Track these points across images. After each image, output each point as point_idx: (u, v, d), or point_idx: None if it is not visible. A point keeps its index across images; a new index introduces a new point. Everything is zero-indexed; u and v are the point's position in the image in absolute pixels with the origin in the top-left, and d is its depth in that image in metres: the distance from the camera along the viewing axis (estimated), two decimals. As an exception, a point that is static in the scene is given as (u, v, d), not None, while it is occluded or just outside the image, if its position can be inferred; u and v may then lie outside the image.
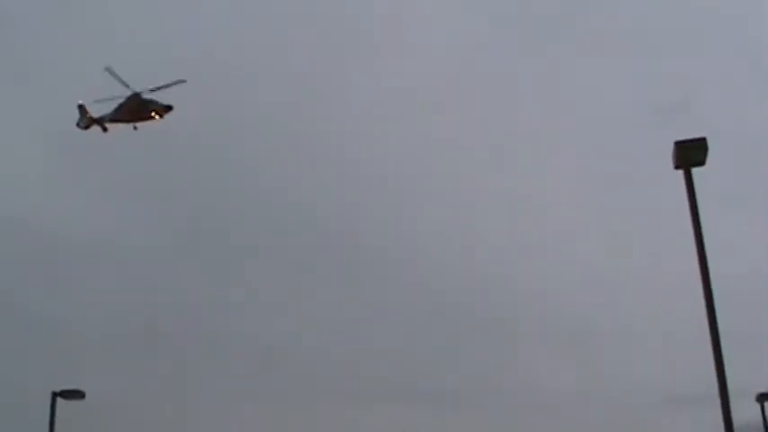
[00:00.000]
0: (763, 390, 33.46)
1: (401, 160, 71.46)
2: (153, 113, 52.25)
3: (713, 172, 18.34)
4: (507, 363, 59.90)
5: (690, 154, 17.68)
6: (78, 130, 55.04)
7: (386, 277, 67.08)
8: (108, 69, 50.12)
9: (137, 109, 52.24)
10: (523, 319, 62.48)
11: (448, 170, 71.23)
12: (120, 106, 52.67)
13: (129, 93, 51.90)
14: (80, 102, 54.29)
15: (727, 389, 16.81)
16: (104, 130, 54.14)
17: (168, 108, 52.29)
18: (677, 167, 17.91)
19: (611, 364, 57.21)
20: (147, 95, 51.98)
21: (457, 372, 59.93)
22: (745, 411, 32.55)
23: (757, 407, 33.48)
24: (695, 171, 17.87)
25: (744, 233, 58.10)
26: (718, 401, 16.85)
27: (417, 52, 74.23)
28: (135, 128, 53.08)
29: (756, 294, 54.33)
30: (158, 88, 51.47)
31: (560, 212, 67.85)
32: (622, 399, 54.20)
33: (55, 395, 30.13)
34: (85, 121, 54.35)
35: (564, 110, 70.73)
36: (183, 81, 50.93)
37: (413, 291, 66.10)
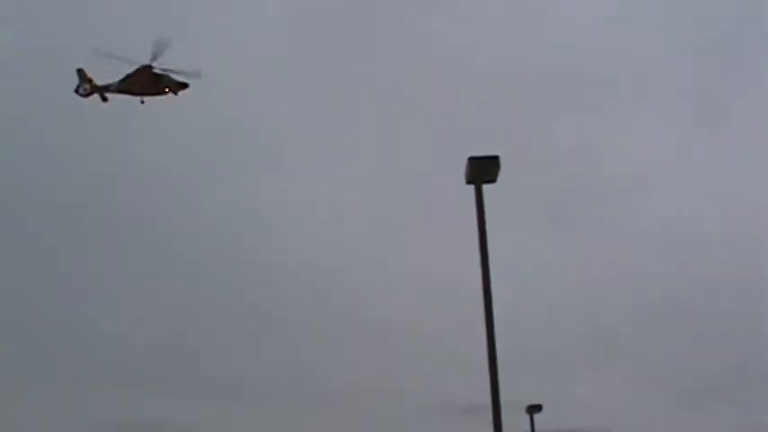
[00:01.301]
0: (532, 402, 35.10)
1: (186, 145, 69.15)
2: (167, 89, 49.86)
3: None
4: (299, 361, 60.01)
5: (482, 170, 17.99)
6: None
7: (183, 275, 65.72)
8: (98, 51, 48.04)
9: (148, 82, 49.69)
10: (315, 319, 62.67)
11: (241, 167, 70.19)
12: (128, 76, 49.93)
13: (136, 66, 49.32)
14: (79, 66, 51.58)
15: (500, 400, 17.21)
16: (104, 99, 51.55)
17: (184, 85, 50.02)
18: (469, 183, 18.19)
19: (396, 368, 58.33)
20: (158, 70, 49.46)
21: (247, 366, 59.67)
22: (517, 422, 34.04)
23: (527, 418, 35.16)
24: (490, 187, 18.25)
25: (527, 250, 60.51)
26: (490, 412, 17.25)
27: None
28: (142, 102, 50.63)
29: (532, 310, 57.14)
30: (169, 70, 49.32)
31: (358, 215, 68.33)
32: (399, 404, 55.41)
33: None
34: (87, 87, 51.55)
35: (362, 113, 71.03)
36: (199, 75, 49.36)
37: (208, 286, 65.22)
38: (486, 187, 18.25)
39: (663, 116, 71.88)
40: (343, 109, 68.15)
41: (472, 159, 17.95)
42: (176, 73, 49.61)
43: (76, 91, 52.02)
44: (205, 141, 69.37)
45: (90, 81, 51.73)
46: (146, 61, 49.28)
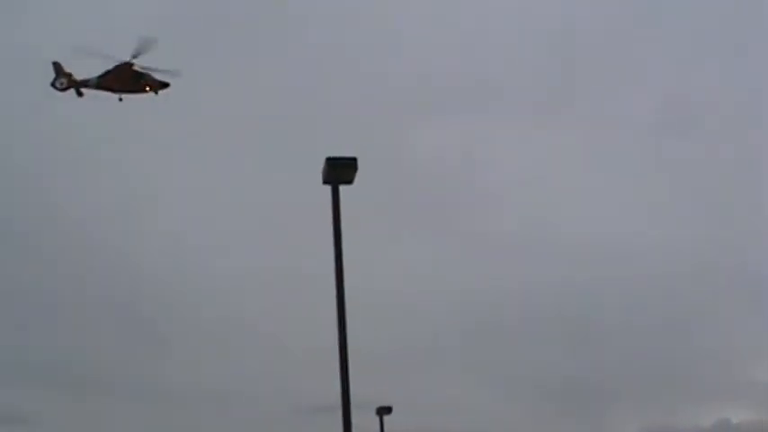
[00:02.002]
0: (383, 404, 35.39)
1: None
2: (147, 87, 49.21)
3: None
4: (153, 362, 59.06)
5: (340, 171, 18.02)
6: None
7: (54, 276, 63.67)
8: (79, 49, 47.34)
9: (128, 79, 48.95)
10: (177, 321, 61.80)
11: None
12: (107, 72, 49.26)
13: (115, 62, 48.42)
14: (54, 60, 50.42)
15: (350, 401, 17.22)
16: (80, 95, 50.53)
17: (165, 85, 49.43)
18: (326, 183, 18.20)
19: (256, 368, 58.01)
20: (139, 68, 48.74)
21: (107, 364, 59.01)
22: (368, 423, 34.28)
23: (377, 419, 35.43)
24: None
25: (386, 252, 61.06)
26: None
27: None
28: (120, 99, 49.78)
29: (387, 312, 57.65)
30: (150, 68, 48.61)
31: (215, 219, 67.56)
32: (252, 404, 55.04)
33: None
34: (63, 82, 50.39)
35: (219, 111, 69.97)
36: (179, 74, 48.78)
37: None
38: (351, 188, 18.26)
39: (531, 122, 73.30)
40: (198, 109, 66.82)
41: (330, 160, 17.97)
42: (156, 71, 48.96)
43: (52, 85, 50.89)
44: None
45: (69, 75, 50.64)
46: (127, 59, 48.71)
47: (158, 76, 49.28)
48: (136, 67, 48.91)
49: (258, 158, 69.54)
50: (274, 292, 62.16)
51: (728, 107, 73.12)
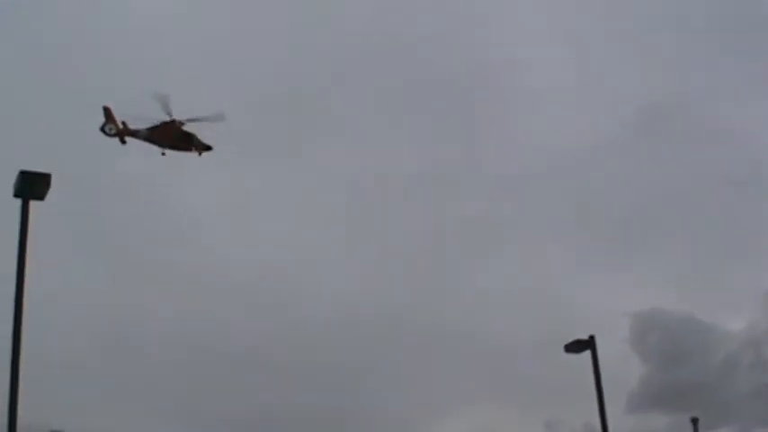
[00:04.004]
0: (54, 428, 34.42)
1: None
2: (192, 148, 51.42)
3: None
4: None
5: (33, 186, 17.73)
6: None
7: None
8: (157, 95, 49.04)
9: (175, 137, 50.87)
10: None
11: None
12: (155, 127, 50.54)
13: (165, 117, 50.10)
14: (106, 104, 50.55)
15: (16, 424, 16.87)
16: (123, 142, 50.93)
17: (208, 148, 51.87)
18: (16, 196, 17.83)
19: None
20: (186, 127, 50.80)
21: None
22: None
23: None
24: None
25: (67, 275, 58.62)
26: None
27: None
28: (163, 153, 51.25)
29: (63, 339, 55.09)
30: (195, 120, 50.51)
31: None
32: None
33: None
34: (113, 128, 50.47)
35: None
36: (223, 119, 50.27)
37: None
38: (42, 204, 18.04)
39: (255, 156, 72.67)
40: None
41: (23, 174, 17.69)
42: (201, 120, 50.66)
43: (102, 129, 50.72)
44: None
45: (123, 123, 50.78)
46: (173, 116, 50.41)
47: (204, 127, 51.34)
48: (183, 126, 50.91)
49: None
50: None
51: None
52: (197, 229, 68.74)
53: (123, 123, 51.13)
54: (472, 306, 65.41)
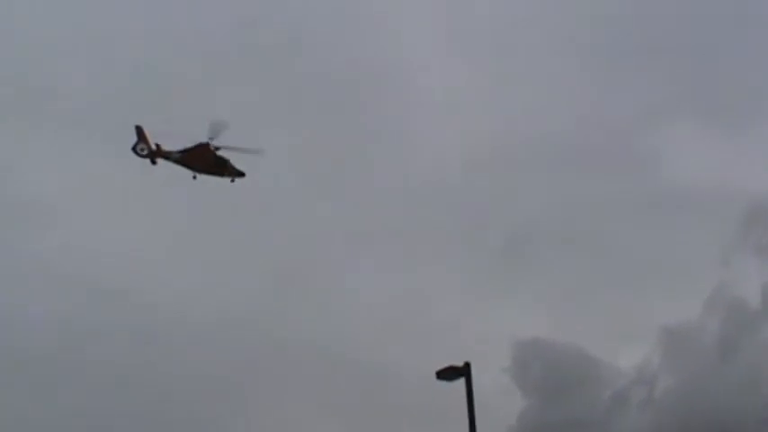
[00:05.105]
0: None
1: None
2: (225, 173, 50.18)
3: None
4: None
5: None
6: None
7: None
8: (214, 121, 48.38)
9: (208, 161, 49.76)
10: None
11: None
12: (187, 150, 49.59)
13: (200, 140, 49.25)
14: (138, 124, 49.65)
15: None
16: (154, 163, 49.82)
17: (241, 174, 50.66)
18: None
19: None
20: (221, 152, 49.43)
21: None
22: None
23: None
24: None
25: None
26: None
27: None
28: (194, 177, 50.17)
29: None
30: (232, 148, 49.18)
31: None
32: None
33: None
34: (144, 148, 49.26)
35: None
36: (261, 152, 49.80)
37: None
38: None
39: (73, 137, 68.21)
40: None
41: None
42: (238, 150, 49.29)
43: (134, 149, 49.64)
44: None
45: (157, 146, 49.57)
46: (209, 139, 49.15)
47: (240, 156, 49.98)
48: (218, 151, 49.45)
49: None
50: None
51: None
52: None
53: (157, 145, 49.93)
54: (342, 325, 62.29)
